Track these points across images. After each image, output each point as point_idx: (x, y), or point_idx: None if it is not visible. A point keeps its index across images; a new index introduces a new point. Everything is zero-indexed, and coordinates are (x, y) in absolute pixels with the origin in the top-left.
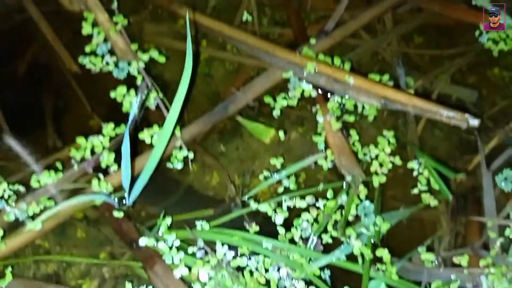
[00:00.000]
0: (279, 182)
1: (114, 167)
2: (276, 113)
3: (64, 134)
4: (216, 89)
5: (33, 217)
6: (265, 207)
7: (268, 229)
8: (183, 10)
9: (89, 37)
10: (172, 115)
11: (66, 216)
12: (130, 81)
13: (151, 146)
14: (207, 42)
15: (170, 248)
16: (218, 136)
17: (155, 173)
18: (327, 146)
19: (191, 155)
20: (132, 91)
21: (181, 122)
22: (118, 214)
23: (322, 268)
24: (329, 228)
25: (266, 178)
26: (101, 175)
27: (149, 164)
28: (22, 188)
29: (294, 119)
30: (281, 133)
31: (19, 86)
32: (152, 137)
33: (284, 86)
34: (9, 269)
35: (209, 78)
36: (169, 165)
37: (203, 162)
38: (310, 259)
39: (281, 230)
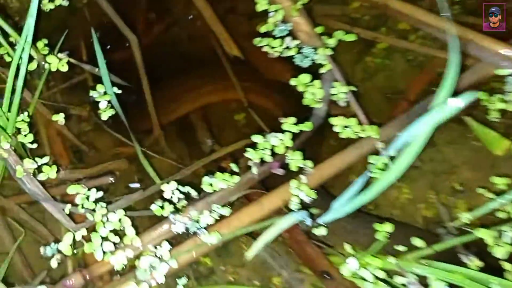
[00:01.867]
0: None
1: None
2: (492, 117)
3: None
4: (396, 85)
5: (206, 229)
6: (486, 235)
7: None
8: None
9: (255, 16)
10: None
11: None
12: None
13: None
14: (387, 29)
15: (373, 280)
16: None
17: None
18: None
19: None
20: (317, 82)
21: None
22: (301, 237)
23: None
24: None
25: (489, 199)
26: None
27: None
28: (193, 191)
29: None
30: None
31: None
32: (344, 128)
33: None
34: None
35: (387, 72)
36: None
37: None
38: None
39: (507, 266)
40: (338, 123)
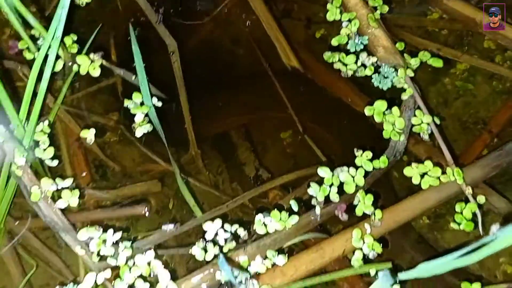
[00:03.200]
0: None
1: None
2: None
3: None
4: (476, 113)
5: (256, 278)
6: None
7: None
8: None
9: (313, 22)
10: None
11: None
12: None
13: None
14: (469, 47)
15: None
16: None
17: None
18: None
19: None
20: (395, 110)
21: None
22: None
23: None
24: None
25: None
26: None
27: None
28: (242, 231)
29: None
30: None
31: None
32: (422, 177)
33: None
34: None
35: (468, 97)
36: None
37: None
38: None
39: None
40: (413, 173)
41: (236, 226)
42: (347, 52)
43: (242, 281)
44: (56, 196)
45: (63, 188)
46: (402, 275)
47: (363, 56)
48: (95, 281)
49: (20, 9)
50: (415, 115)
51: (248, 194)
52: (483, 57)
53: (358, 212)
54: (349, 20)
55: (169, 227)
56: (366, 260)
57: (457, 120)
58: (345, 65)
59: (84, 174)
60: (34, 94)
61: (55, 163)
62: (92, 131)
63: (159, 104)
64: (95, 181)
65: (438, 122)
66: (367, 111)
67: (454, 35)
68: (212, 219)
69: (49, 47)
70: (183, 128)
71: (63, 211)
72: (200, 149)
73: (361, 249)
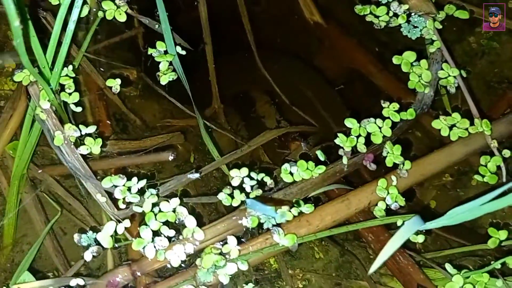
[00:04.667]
0: None
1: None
2: None
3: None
4: (501, 72)
5: (281, 226)
6: None
7: None
8: None
9: None
10: None
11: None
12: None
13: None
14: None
15: None
16: None
17: None
18: None
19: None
20: (424, 62)
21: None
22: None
23: None
24: None
25: None
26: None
27: None
28: (269, 180)
29: None
30: None
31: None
32: (450, 129)
33: None
34: None
35: (493, 56)
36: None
37: None
38: None
39: None
40: (442, 125)
41: (262, 174)
42: (378, 4)
43: (268, 228)
44: (79, 142)
45: (86, 135)
46: (430, 224)
47: (395, 5)
48: (115, 229)
49: None
50: (442, 69)
51: (264, 135)
52: (509, 16)
53: (388, 162)
54: None
55: (194, 175)
56: (388, 212)
57: (481, 79)
58: (377, 16)
59: (106, 123)
60: (59, 43)
61: (79, 109)
62: (118, 80)
63: (183, 52)
64: (116, 133)
65: (465, 75)
66: (395, 60)
67: None
68: (239, 167)
69: None
70: (207, 81)
71: (85, 158)
72: (224, 104)
73: (384, 199)
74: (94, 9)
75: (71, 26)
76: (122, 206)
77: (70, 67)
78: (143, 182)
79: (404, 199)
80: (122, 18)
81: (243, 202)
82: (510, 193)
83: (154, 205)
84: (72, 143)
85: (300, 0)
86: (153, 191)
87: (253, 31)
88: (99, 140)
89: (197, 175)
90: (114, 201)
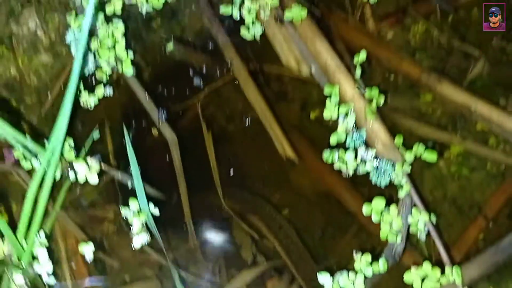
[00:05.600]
0: None
1: None
2: None
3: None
4: (471, 198)
5: None
6: None
7: None
8: (432, 80)
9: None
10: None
11: None
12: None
13: None
14: (461, 130)
15: None
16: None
17: None
18: None
19: None
20: (393, 208)
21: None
22: None
23: None
24: None
25: None
26: None
27: None
28: None
29: None
30: None
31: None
32: (422, 281)
33: None
34: None
35: (463, 182)
36: None
37: None
38: None
39: None
40: (414, 277)
41: None
42: (346, 149)
43: None
44: None
45: None
46: None
47: (361, 151)
48: None
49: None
50: (411, 214)
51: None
52: (477, 140)
53: None
54: (346, 115)
55: None
56: None
57: (452, 205)
58: (345, 162)
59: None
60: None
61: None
62: (91, 246)
63: (156, 210)
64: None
65: (434, 221)
66: (366, 208)
67: (447, 116)
68: None
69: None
70: (182, 222)
71: None
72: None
73: None
74: (66, 170)
75: (44, 196)
76: None
77: (42, 234)
78: None
79: None
80: (94, 179)
81: None
82: None
83: None
84: None
85: (273, 137)
86: None
87: (219, 170)
88: None
89: None
90: None
